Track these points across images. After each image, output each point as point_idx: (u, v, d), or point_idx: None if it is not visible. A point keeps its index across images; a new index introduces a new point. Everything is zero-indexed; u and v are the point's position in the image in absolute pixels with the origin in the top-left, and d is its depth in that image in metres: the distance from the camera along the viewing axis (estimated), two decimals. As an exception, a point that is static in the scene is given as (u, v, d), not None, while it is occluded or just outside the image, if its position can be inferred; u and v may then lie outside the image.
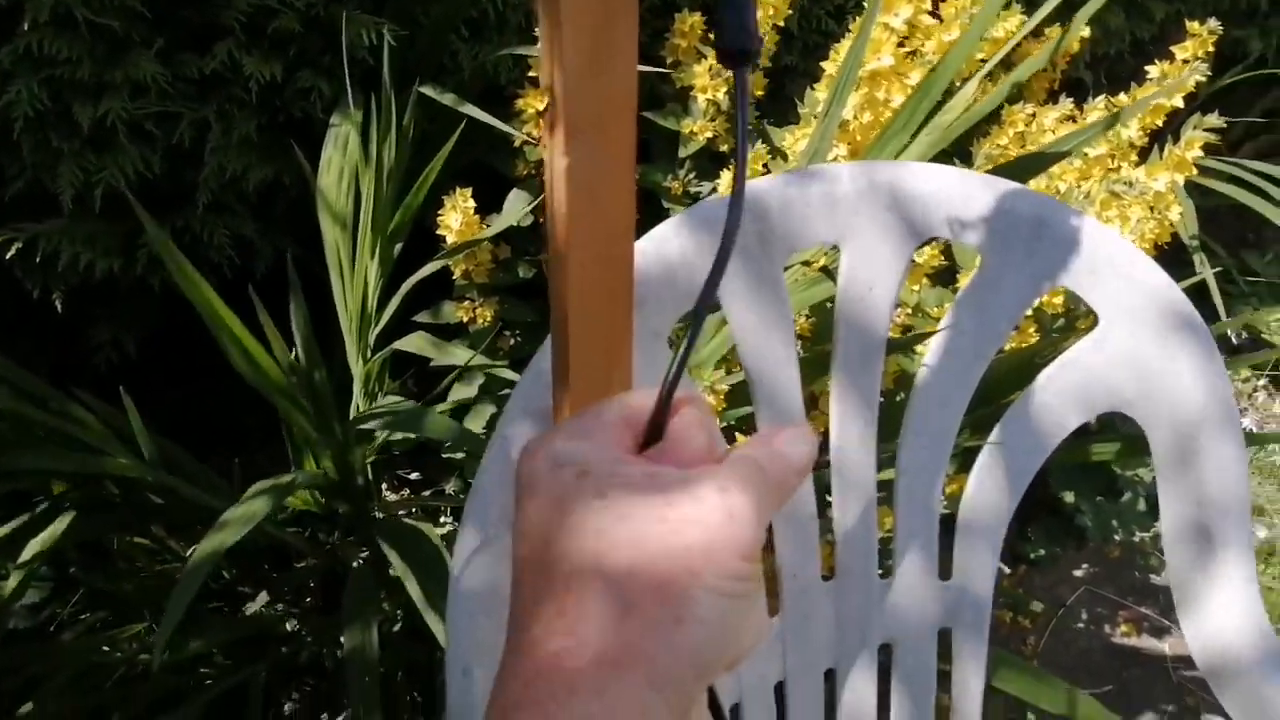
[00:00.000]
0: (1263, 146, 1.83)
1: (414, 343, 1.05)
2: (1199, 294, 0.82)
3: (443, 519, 1.24)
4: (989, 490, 0.65)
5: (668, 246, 0.57)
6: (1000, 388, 0.78)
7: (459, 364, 1.03)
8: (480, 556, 0.54)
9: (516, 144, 1.04)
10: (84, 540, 1.01)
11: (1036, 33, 1.15)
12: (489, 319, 1.07)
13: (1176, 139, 1.06)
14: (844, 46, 1.02)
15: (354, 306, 0.97)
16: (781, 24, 1.06)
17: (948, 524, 0.66)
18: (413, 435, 0.99)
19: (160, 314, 1.13)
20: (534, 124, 1.02)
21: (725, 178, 1.03)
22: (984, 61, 1.08)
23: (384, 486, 1.32)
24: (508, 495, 0.31)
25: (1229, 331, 1.87)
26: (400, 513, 1.07)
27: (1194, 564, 0.64)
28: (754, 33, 0.32)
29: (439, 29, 1.06)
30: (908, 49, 1.04)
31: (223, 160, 1.00)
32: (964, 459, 0.75)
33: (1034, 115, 1.10)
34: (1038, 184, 1.07)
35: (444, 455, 1.17)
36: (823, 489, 0.65)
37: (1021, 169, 0.92)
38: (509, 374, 1.03)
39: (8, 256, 0.98)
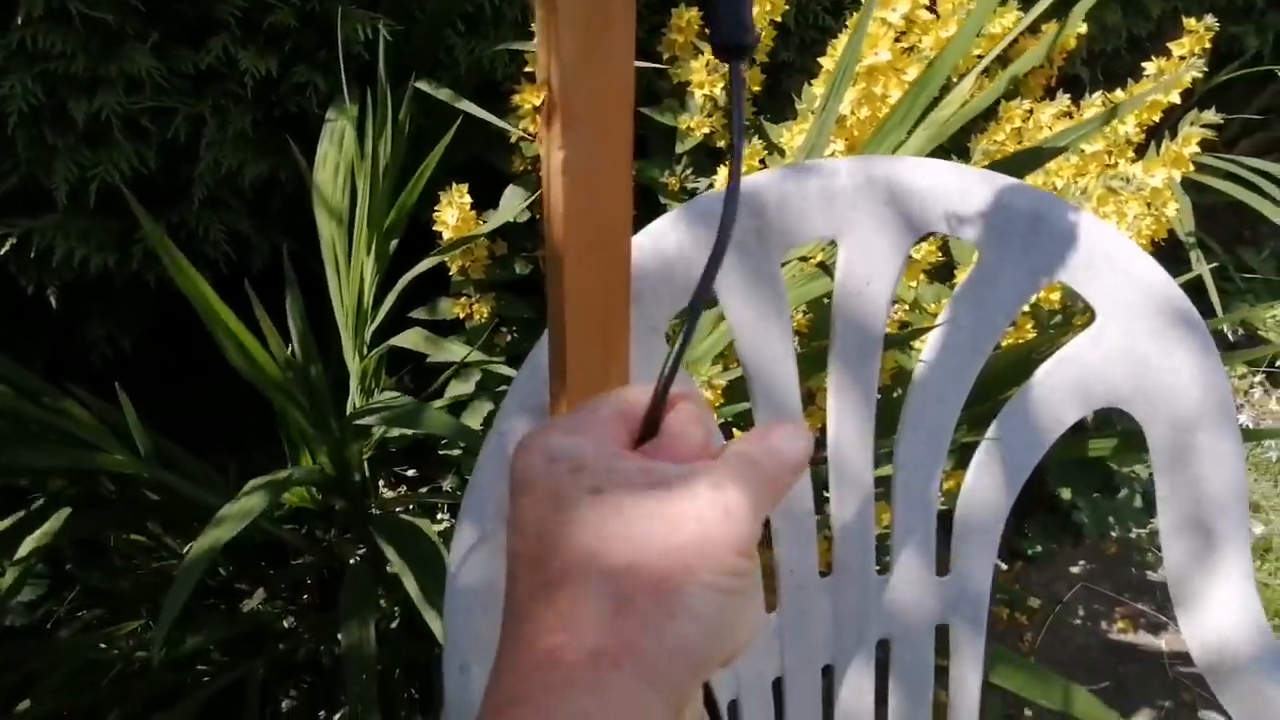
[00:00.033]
0: (1259, 143, 1.83)
1: (410, 339, 1.05)
2: (1195, 290, 0.82)
3: (440, 516, 1.24)
4: (986, 486, 0.65)
5: (665, 241, 0.57)
6: (998, 384, 0.78)
7: (455, 360, 1.03)
8: (478, 552, 0.54)
9: (513, 140, 1.04)
10: (80, 537, 1.01)
11: (1033, 29, 1.15)
12: (485, 315, 1.07)
13: (1173, 135, 1.06)
14: (841, 42, 1.02)
15: (350, 302, 0.97)
16: (779, 19, 1.06)
17: (945, 520, 0.66)
18: (410, 431, 0.99)
19: (155, 310, 1.12)
20: (530, 119, 1.02)
21: (722, 173, 1.03)
22: (980, 57, 1.08)
23: (381, 483, 1.31)
24: (505, 491, 0.31)
25: (1225, 327, 1.87)
26: (397, 509, 1.07)
27: (1191, 560, 0.64)
28: (749, 27, 0.32)
29: (435, 24, 1.06)
30: (905, 44, 1.04)
31: (218, 155, 0.99)
32: (961, 455, 0.75)
33: (1031, 111, 1.10)
34: (1034, 180, 1.07)
35: (441, 452, 1.17)
36: (820, 485, 0.65)
37: (1018, 165, 0.92)
38: (506, 370, 1.03)
39: (2, 252, 0.97)
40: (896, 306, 1.02)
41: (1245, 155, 1.51)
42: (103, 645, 0.99)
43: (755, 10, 1.03)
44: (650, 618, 0.27)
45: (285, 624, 1.07)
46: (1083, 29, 1.16)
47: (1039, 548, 1.55)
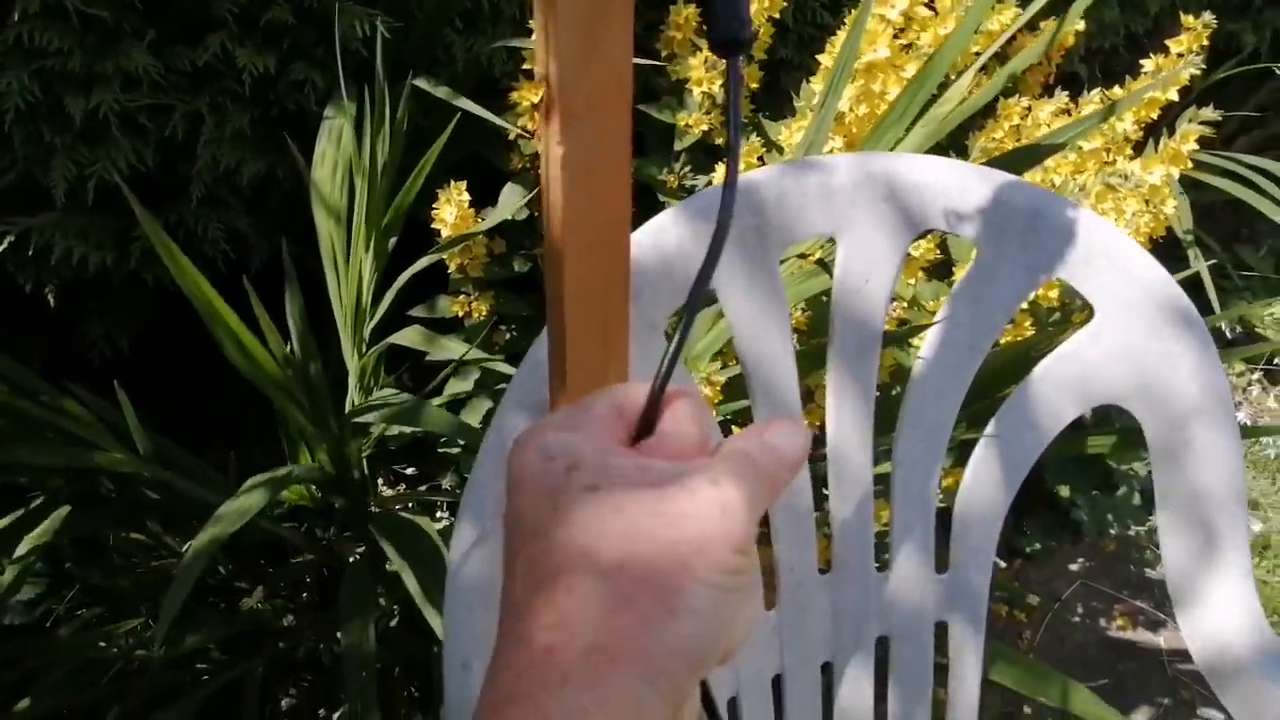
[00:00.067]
0: (1257, 141, 1.83)
1: (409, 337, 1.05)
2: (1193, 287, 0.82)
3: (439, 514, 1.24)
4: (985, 483, 0.65)
5: (664, 238, 0.57)
6: (996, 381, 0.78)
7: (454, 358, 1.02)
8: (477, 549, 0.54)
9: (511, 137, 1.04)
10: (79, 535, 1.01)
11: (1031, 26, 1.15)
12: (484, 313, 1.07)
13: (1171, 133, 1.06)
14: (840, 39, 1.02)
15: (349, 300, 0.97)
16: (777, 16, 1.06)
17: (944, 517, 0.66)
18: (410, 429, 0.99)
19: (154, 308, 1.12)
20: (528, 117, 1.02)
21: (720, 170, 1.03)
22: (979, 54, 1.08)
23: (380, 481, 1.31)
24: (503, 488, 0.31)
25: (1223, 325, 1.87)
26: (397, 507, 1.07)
27: (1190, 558, 0.64)
28: (747, 21, 0.32)
29: (433, 21, 1.06)
30: (903, 41, 1.04)
31: (216, 153, 0.99)
32: (960, 452, 0.75)
33: (1029, 108, 1.10)
34: (1033, 177, 1.07)
35: (440, 450, 1.17)
36: (820, 482, 0.65)
37: (1016, 162, 0.92)
38: (505, 368, 1.03)
39: (0, 250, 0.97)
40: (895, 304, 1.02)
41: (1243, 153, 1.51)
42: (102, 644, 0.99)
43: (753, 7, 1.03)
44: (648, 615, 0.27)
45: (285, 622, 1.07)
46: (1081, 26, 1.16)
47: (1038, 545, 1.55)
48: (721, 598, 0.28)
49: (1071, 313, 1.06)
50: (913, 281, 1.02)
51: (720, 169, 1.03)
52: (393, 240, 0.99)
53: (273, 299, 0.92)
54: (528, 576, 0.28)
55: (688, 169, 1.10)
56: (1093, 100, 1.10)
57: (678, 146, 1.10)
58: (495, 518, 0.54)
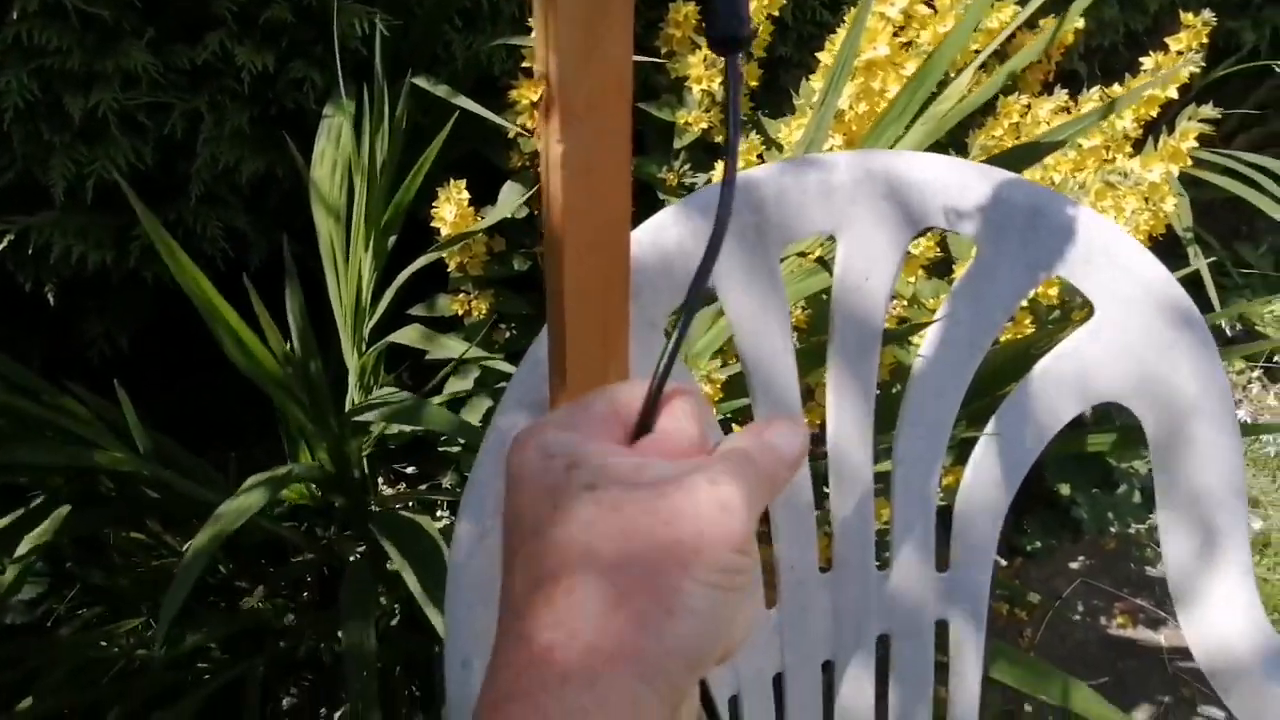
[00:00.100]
0: (1256, 139, 1.83)
1: (409, 335, 1.05)
2: (1193, 285, 0.82)
3: (439, 513, 1.24)
4: (986, 481, 0.65)
5: (664, 235, 0.57)
6: (996, 379, 0.78)
7: (454, 356, 1.02)
8: (478, 547, 0.54)
9: (510, 135, 1.03)
10: (80, 535, 1.01)
11: (1031, 24, 1.15)
12: (484, 312, 1.07)
13: (1171, 130, 1.06)
14: (839, 37, 1.02)
15: (348, 299, 0.97)
16: (776, 14, 1.06)
17: (945, 515, 0.66)
18: (410, 428, 0.99)
19: (153, 307, 1.12)
20: (528, 115, 1.02)
21: (720, 168, 1.03)
22: (978, 52, 1.08)
23: (380, 480, 1.31)
24: (503, 487, 0.31)
25: (1223, 322, 1.87)
26: (397, 506, 1.07)
27: (1190, 556, 0.64)
28: (745, 19, 0.32)
29: (432, 19, 1.06)
30: (902, 39, 1.04)
31: (215, 152, 0.99)
32: (960, 450, 0.75)
33: (1028, 106, 1.10)
34: (1032, 175, 1.07)
35: (440, 449, 1.17)
36: (820, 480, 0.65)
37: (1016, 159, 0.92)
38: (504, 366, 1.03)
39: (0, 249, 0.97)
40: (895, 301, 1.02)
41: (1242, 150, 1.51)
42: (103, 643, 0.99)
43: (752, 4, 1.03)
44: (647, 615, 0.27)
45: (285, 621, 1.07)
46: (1080, 24, 1.16)
47: (1038, 543, 1.55)
48: (720, 597, 0.28)
49: (1071, 311, 1.06)
50: (913, 279, 1.02)
51: (720, 166, 1.03)
52: (392, 239, 0.99)
53: (272, 298, 0.92)
54: (527, 575, 0.28)
55: (687, 167, 1.10)
56: (1092, 98, 1.10)
57: (677, 144, 1.10)
58: (495, 516, 0.54)
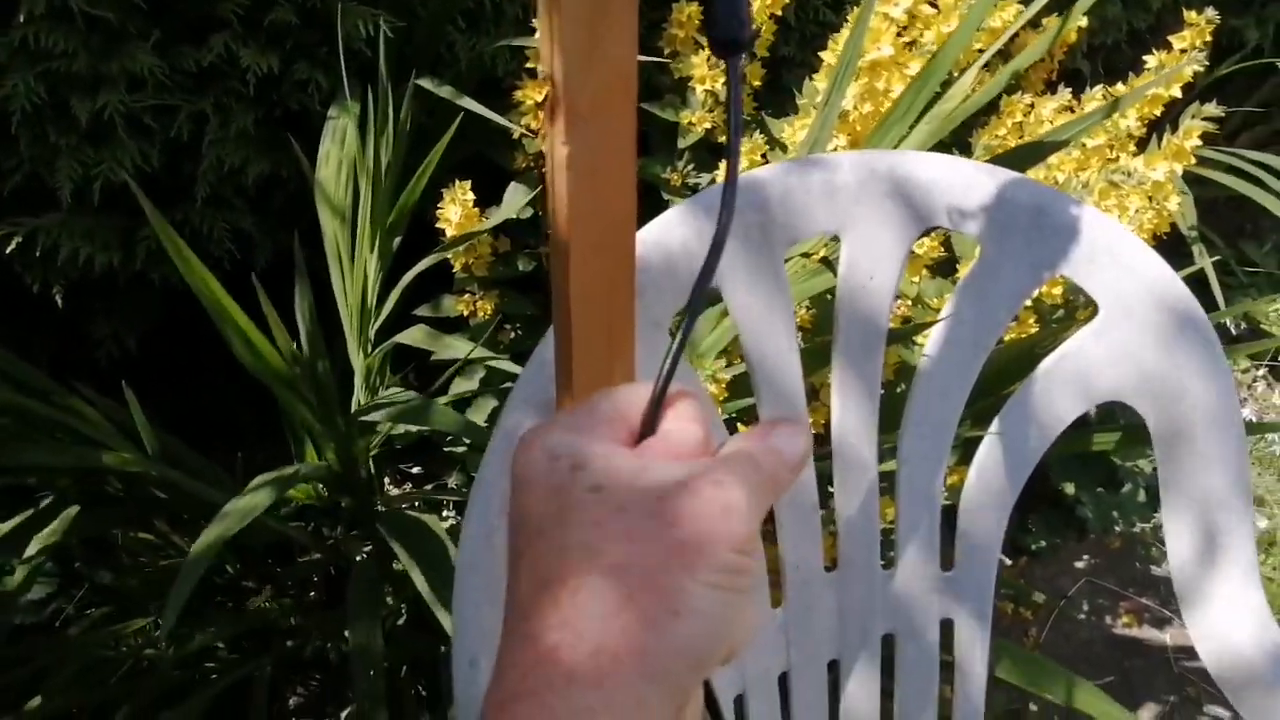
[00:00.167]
0: (1260, 136, 1.83)
1: (414, 336, 1.05)
2: (1198, 284, 0.82)
3: (445, 513, 1.25)
4: (990, 481, 0.65)
5: (669, 236, 0.57)
6: (1001, 378, 0.78)
7: (459, 357, 1.03)
8: (485, 547, 0.54)
9: (515, 136, 1.04)
10: (88, 535, 1.01)
11: (1034, 23, 1.15)
12: (489, 312, 1.07)
13: (1174, 129, 1.06)
14: (843, 37, 1.02)
15: (354, 300, 0.97)
16: (779, 14, 1.06)
17: (949, 515, 0.67)
18: (416, 428, 1.00)
19: (160, 309, 1.13)
20: (532, 116, 1.02)
21: (724, 168, 1.03)
22: (982, 52, 1.08)
23: (386, 480, 1.32)
24: (510, 484, 0.31)
25: (1228, 321, 1.87)
26: (403, 506, 1.07)
27: (1196, 555, 0.64)
28: (746, 22, 0.32)
29: (436, 20, 1.06)
30: (906, 39, 1.04)
31: (221, 153, 0.99)
32: (965, 450, 0.76)
33: (1032, 105, 1.10)
34: (1036, 174, 1.07)
35: (446, 449, 1.17)
36: (825, 480, 0.65)
37: (1020, 159, 0.92)
38: (510, 367, 1.03)
39: (7, 251, 0.98)
40: (899, 301, 1.02)
41: (1246, 148, 1.51)
42: (111, 643, 0.99)
43: (755, 4, 1.03)
44: (652, 615, 0.27)
45: (292, 621, 1.07)
46: (1083, 22, 1.16)
47: (1043, 543, 1.55)
48: (723, 598, 0.28)
49: (1075, 310, 1.06)
50: (917, 279, 1.02)
51: (724, 166, 1.03)
52: (397, 240, 0.99)
53: (277, 299, 0.92)
54: (533, 575, 0.29)
55: (691, 167, 1.11)
56: (1095, 97, 1.10)
57: (681, 144, 1.10)
58: (502, 515, 0.54)
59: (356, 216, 0.96)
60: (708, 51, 1.05)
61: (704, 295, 0.33)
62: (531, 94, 1.01)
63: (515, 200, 1.07)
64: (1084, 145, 1.08)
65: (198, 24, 0.95)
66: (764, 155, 1.06)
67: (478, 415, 1.06)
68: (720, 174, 1.05)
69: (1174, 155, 1.04)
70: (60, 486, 0.96)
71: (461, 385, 1.07)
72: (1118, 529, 1.57)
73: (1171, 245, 1.08)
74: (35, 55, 0.89)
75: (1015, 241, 0.61)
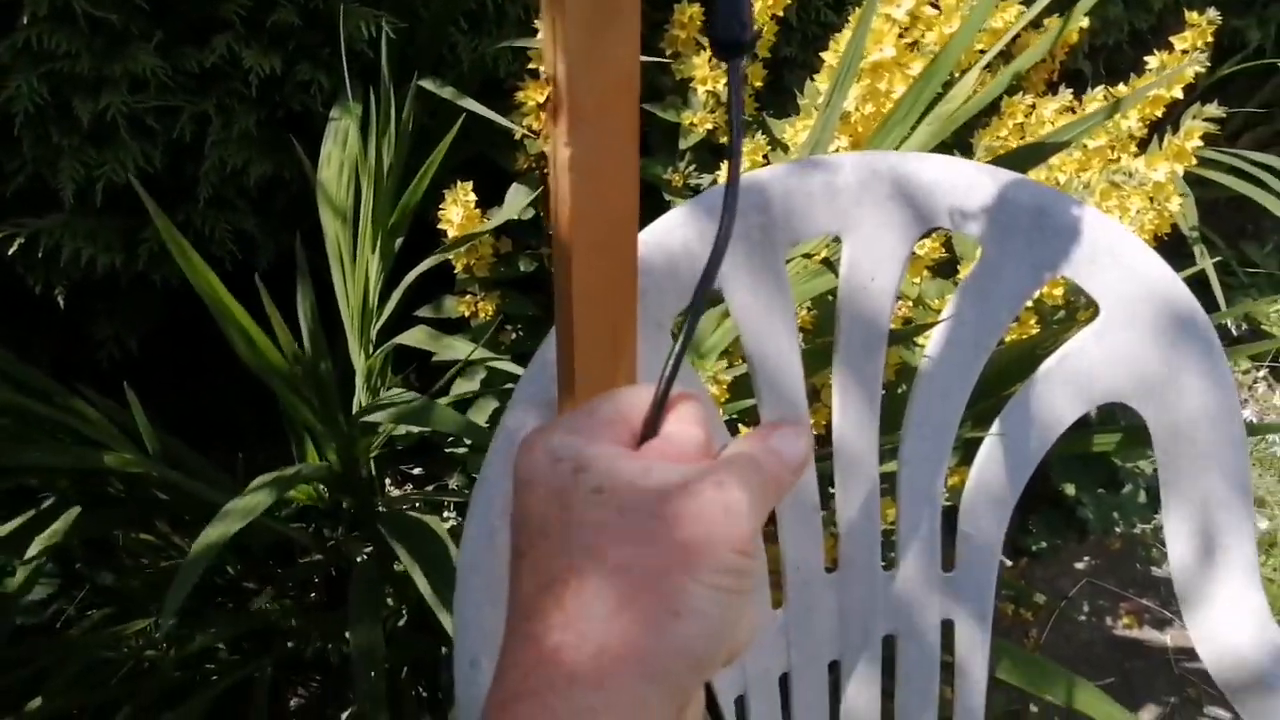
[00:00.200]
0: (1261, 137, 1.83)
1: (415, 337, 1.05)
2: (1199, 285, 0.83)
3: (446, 514, 1.25)
4: (991, 482, 0.65)
5: (671, 237, 0.57)
6: (1002, 379, 0.78)
7: (461, 358, 1.03)
8: (487, 548, 0.54)
9: (517, 137, 1.04)
10: (89, 536, 1.01)
11: (1035, 24, 1.15)
12: (490, 313, 1.08)
13: (1176, 130, 1.06)
14: (844, 37, 1.02)
15: (355, 301, 0.97)
16: (780, 14, 1.06)
17: (950, 516, 0.67)
18: (418, 429, 1.00)
19: (161, 310, 1.13)
20: (534, 117, 1.02)
21: (725, 169, 1.03)
22: (983, 53, 1.08)
23: (386, 481, 1.32)
24: (512, 485, 0.31)
25: (1229, 322, 1.87)
26: (404, 507, 1.07)
27: (1196, 556, 0.64)
28: (748, 23, 0.32)
29: (438, 22, 1.06)
30: (908, 40, 1.04)
31: (223, 154, 0.99)
32: (966, 451, 0.76)
33: (1033, 106, 1.10)
34: (1037, 175, 1.07)
35: (447, 450, 1.17)
36: (826, 481, 0.65)
37: (1021, 160, 0.93)
38: (511, 368, 1.03)
39: (9, 252, 0.98)
40: (900, 302, 1.02)
41: (1248, 149, 1.51)
42: (112, 644, 0.99)
43: (757, 5, 1.03)
44: (654, 616, 0.27)
45: (293, 622, 1.07)
46: (1085, 23, 1.16)
47: (1043, 543, 1.55)
48: (725, 599, 0.28)
49: (1076, 311, 1.06)
50: (918, 280, 1.02)
51: (725, 167, 1.03)
52: (399, 240, 0.99)
53: (279, 300, 0.92)
54: (535, 576, 0.29)
55: (692, 168, 1.11)
56: (1097, 98, 1.10)
57: (682, 145, 1.10)
58: (504, 516, 0.54)
59: (358, 217, 0.96)
60: (709, 52, 1.05)
61: (706, 296, 0.33)
62: (533, 95, 1.01)
63: (517, 201, 1.07)
64: (1085, 146, 1.08)
65: (200, 25, 0.96)
66: (765, 156, 1.06)
67: (479, 416, 1.06)
68: (722, 175, 1.05)
69: (1175, 156, 1.04)
70: (61, 487, 0.96)
71: (463, 386, 1.07)
72: (1118, 530, 1.57)
73: (1172, 246, 1.08)
74: (38, 56, 0.89)
75: (1016, 242, 0.61)
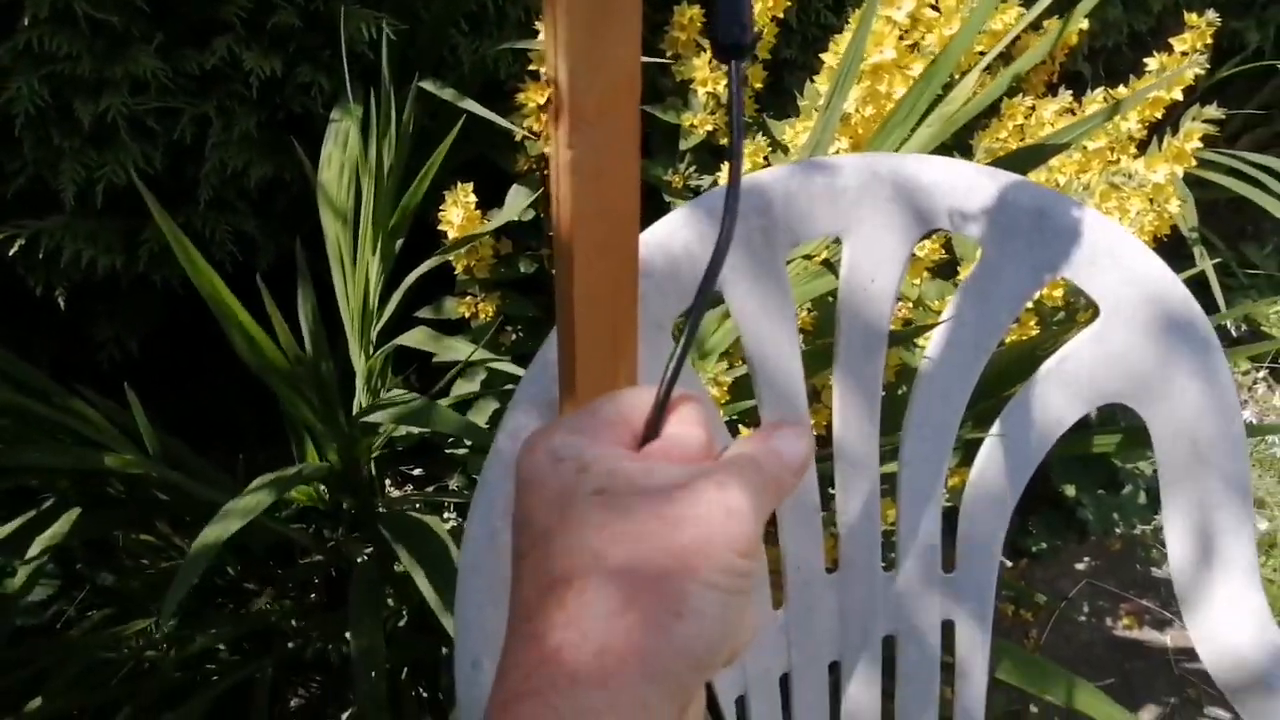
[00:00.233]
0: (1261, 139, 1.83)
1: (416, 338, 1.05)
2: (1198, 286, 0.83)
3: (446, 515, 1.25)
4: (991, 482, 0.66)
5: (672, 238, 0.58)
6: (1002, 380, 0.78)
7: (461, 359, 1.03)
8: (488, 549, 0.54)
9: (517, 139, 1.04)
10: (90, 537, 1.01)
11: (1035, 25, 1.15)
12: (490, 314, 1.08)
13: (1175, 131, 1.06)
14: (844, 39, 1.02)
15: (356, 302, 0.97)
16: (780, 16, 1.06)
17: (950, 516, 0.67)
18: (418, 429, 1.00)
19: (162, 311, 1.13)
20: (534, 119, 1.02)
21: (726, 170, 1.03)
22: (983, 54, 1.08)
23: (387, 482, 1.32)
24: (513, 488, 0.31)
25: (1229, 323, 1.87)
26: (404, 508, 1.07)
27: (1196, 557, 0.64)
28: (748, 25, 0.32)
29: (439, 23, 1.06)
30: (908, 42, 1.04)
31: (224, 156, 1.00)
32: (966, 452, 0.76)
33: (1033, 108, 1.10)
34: (1037, 176, 1.07)
35: (447, 451, 1.17)
36: (826, 481, 0.65)
37: (1021, 161, 0.93)
38: (511, 369, 1.03)
39: (10, 253, 0.98)
40: (900, 304, 1.03)
41: (1247, 150, 1.51)
42: (112, 644, 0.99)
43: (757, 7, 1.03)
44: (656, 616, 0.27)
45: (293, 623, 1.07)
46: (1084, 25, 1.16)
47: (1044, 544, 1.55)
48: (726, 599, 0.28)
49: (1076, 312, 1.06)
50: (918, 281, 1.02)
51: (726, 168, 1.03)
52: (399, 242, 0.99)
53: (279, 302, 0.92)
54: (537, 577, 0.29)
55: (693, 169, 1.11)
56: (1096, 99, 1.10)
57: (683, 146, 1.10)
58: (505, 517, 0.55)
59: (359, 219, 0.97)
60: (710, 54, 1.05)
61: (707, 299, 0.33)
62: (534, 96, 1.01)
63: (517, 202, 1.07)
64: (1085, 148, 1.09)
65: (200, 27, 0.96)
66: (766, 158, 1.06)
67: (479, 417, 1.07)
68: (722, 176, 1.05)
69: (1175, 157, 1.04)
70: (62, 488, 0.96)
71: (463, 387, 1.07)
72: (1118, 531, 1.57)
73: (1172, 247, 1.08)
74: (39, 58, 0.90)
75: (1016, 244, 0.61)
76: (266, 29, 0.96)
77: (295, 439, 1.03)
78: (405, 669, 1.07)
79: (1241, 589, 0.64)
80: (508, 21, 1.10)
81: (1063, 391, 0.63)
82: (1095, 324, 0.63)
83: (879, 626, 0.68)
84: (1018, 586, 1.43)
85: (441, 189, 1.00)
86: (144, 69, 0.91)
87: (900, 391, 0.97)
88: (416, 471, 1.35)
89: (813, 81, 1.10)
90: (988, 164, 0.78)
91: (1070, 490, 1.56)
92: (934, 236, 1.01)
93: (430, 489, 1.32)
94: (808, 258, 0.92)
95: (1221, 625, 0.65)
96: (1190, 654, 1.36)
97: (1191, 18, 1.10)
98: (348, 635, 0.88)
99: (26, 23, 0.88)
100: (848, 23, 1.04)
